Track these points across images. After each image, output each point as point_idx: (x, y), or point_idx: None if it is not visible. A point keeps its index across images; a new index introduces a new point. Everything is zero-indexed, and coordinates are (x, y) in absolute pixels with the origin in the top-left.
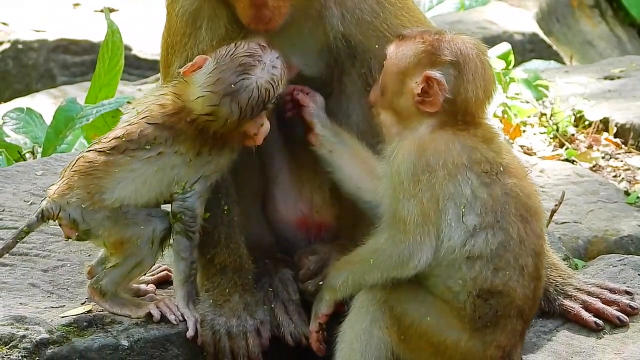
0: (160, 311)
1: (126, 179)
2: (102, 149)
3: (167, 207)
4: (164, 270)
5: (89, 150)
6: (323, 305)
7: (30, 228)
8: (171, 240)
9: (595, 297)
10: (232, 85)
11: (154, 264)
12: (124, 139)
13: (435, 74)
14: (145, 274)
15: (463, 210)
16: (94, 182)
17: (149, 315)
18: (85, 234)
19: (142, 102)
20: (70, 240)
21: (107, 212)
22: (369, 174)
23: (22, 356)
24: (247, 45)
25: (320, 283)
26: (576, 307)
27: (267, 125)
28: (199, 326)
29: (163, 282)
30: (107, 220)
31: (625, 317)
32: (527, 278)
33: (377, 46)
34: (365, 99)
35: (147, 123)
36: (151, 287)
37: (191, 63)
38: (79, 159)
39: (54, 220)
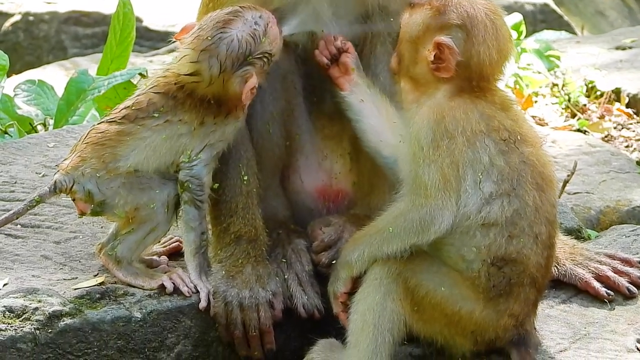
0: (173, 283)
1: (138, 147)
2: (112, 119)
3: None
4: (175, 242)
5: (100, 123)
6: (340, 284)
7: (42, 198)
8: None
9: (607, 266)
10: (209, 39)
11: (168, 230)
12: (133, 108)
13: (444, 39)
14: (157, 245)
15: (480, 177)
16: (108, 151)
17: (162, 287)
18: (100, 205)
19: (155, 74)
20: (83, 216)
21: (123, 179)
22: (392, 130)
23: (34, 328)
24: (232, 7)
25: (334, 262)
26: (587, 276)
27: (253, 80)
28: (212, 298)
29: (175, 254)
30: (123, 188)
31: (635, 288)
32: (541, 246)
33: None
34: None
35: (154, 92)
36: (163, 258)
37: (181, 28)
38: (90, 131)
39: (67, 194)
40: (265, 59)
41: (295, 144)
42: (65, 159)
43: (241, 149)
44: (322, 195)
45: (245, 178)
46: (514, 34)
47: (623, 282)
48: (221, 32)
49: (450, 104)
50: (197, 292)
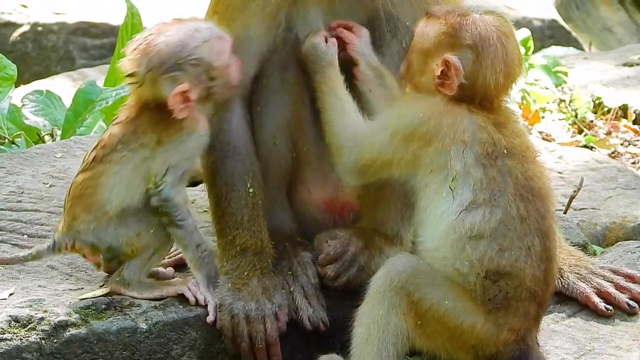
0: (191, 290)
1: (114, 185)
2: (85, 168)
3: None
4: (180, 253)
5: (77, 174)
6: None
7: (38, 255)
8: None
9: (609, 282)
10: (145, 39)
11: (171, 247)
12: (99, 147)
13: (453, 58)
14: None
15: (452, 184)
16: (90, 200)
17: (181, 295)
18: (108, 252)
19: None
20: (102, 269)
21: (115, 220)
22: None
23: (40, 338)
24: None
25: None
26: (588, 290)
27: (182, 87)
28: (218, 310)
29: (180, 265)
30: (120, 227)
31: (635, 304)
32: (535, 259)
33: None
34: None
35: (113, 125)
36: (170, 270)
37: None
38: (72, 185)
39: (71, 251)
40: (200, 68)
41: (302, 156)
42: (60, 220)
43: (247, 162)
44: (328, 207)
45: (251, 190)
46: (522, 50)
47: (623, 298)
48: (156, 33)
49: (443, 108)
50: (205, 305)
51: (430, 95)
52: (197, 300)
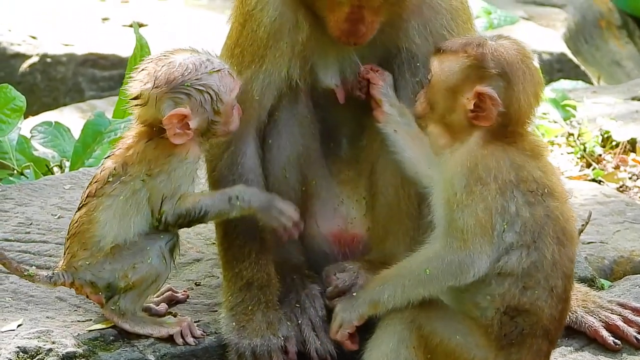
0: (182, 333)
1: (108, 218)
2: (81, 204)
3: None
4: (168, 290)
5: (75, 213)
6: (355, 317)
7: (33, 278)
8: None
9: (617, 316)
10: (153, 60)
11: (168, 277)
12: (94, 183)
13: (487, 89)
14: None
15: (505, 226)
16: (85, 237)
17: (171, 337)
18: (108, 289)
19: None
20: (104, 308)
21: (111, 256)
22: (426, 161)
23: None
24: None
25: (354, 294)
26: (597, 324)
27: (182, 110)
28: (225, 351)
29: (167, 302)
30: (115, 262)
31: None
32: (556, 299)
33: None
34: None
35: (106, 158)
36: (162, 306)
37: None
38: (70, 224)
39: (70, 288)
40: (207, 96)
41: (311, 188)
42: (61, 258)
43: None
44: (337, 240)
45: (260, 224)
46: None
47: (632, 331)
48: (166, 54)
49: (483, 152)
50: (197, 346)
51: (463, 136)
52: (187, 343)
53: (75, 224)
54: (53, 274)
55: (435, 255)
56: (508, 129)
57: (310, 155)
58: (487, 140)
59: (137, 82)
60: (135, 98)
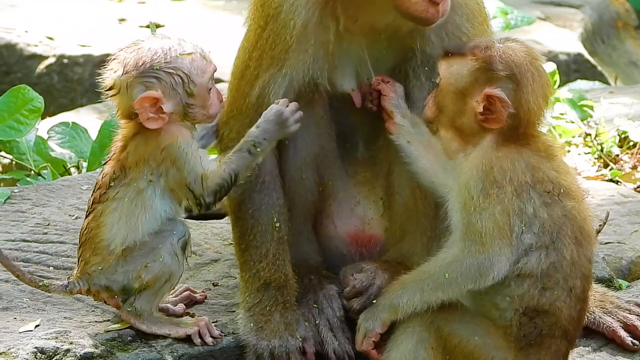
0: (200, 333)
1: (115, 221)
2: (88, 212)
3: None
4: (186, 290)
5: (83, 221)
6: (378, 324)
7: (49, 288)
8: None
9: (635, 316)
10: (123, 49)
11: (182, 275)
12: (97, 190)
13: (496, 91)
14: (169, 295)
15: (523, 228)
16: (96, 242)
17: (189, 337)
18: (123, 292)
19: None
20: (121, 311)
21: (122, 260)
22: (441, 170)
23: None
24: None
25: (374, 301)
26: (615, 325)
27: (152, 93)
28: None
29: (185, 302)
30: (127, 264)
31: None
32: (574, 299)
33: None
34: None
35: (104, 164)
36: (180, 306)
37: None
38: (80, 233)
39: (87, 295)
40: (177, 79)
41: (328, 189)
42: (74, 267)
43: (275, 195)
44: (354, 240)
45: (278, 225)
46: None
47: None
48: (136, 43)
49: (497, 154)
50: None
51: (475, 139)
52: (205, 343)
53: (85, 231)
54: (69, 282)
55: (454, 259)
56: (520, 131)
57: (326, 156)
58: (500, 143)
59: (109, 72)
60: (110, 89)
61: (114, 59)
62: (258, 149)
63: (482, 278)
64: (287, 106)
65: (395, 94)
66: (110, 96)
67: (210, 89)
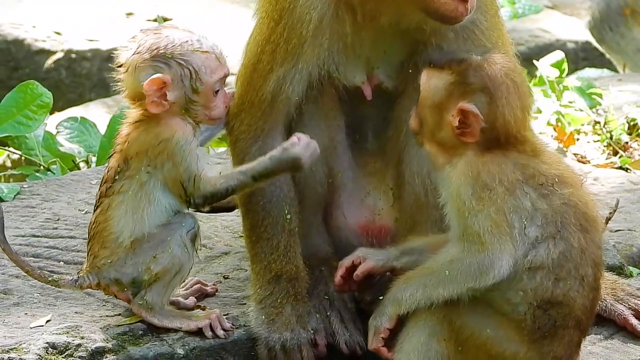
0: (211, 325)
1: (122, 214)
2: (95, 206)
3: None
4: (196, 283)
5: (92, 217)
6: (385, 320)
7: (58, 283)
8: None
9: None
10: (145, 30)
11: (192, 267)
12: (103, 184)
13: (468, 105)
14: (179, 289)
15: (525, 222)
16: (104, 236)
17: (201, 330)
18: (133, 284)
19: None
20: (132, 304)
21: (131, 252)
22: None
23: None
24: None
25: (380, 298)
26: (626, 312)
27: (161, 76)
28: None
29: (196, 295)
30: (136, 256)
31: None
32: (587, 288)
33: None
34: None
35: (109, 158)
36: (191, 299)
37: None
38: (88, 228)
39: (97, 290)
40: (186, 71)
41: (338, 181)
42: (84, 262)
43: (285, 188)
44: (365, 231)
45: (289, 217)
46: (556, 72)
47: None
48: (158, 28)
49: (483, 160)
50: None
51: (459, 152)
52: (217, 335)
53: (93, 225)
54: (78, 277)
55: (455, 258)
56: (501, 141)
57: (335, 147)
58: (484, 150)
59: (125, 50)
60: (121, 66)
61: (133, 39)
62: (263, 180)
63: (482, 277)
64: (307, 144)
65: (372, 264)
66: (120, 74)
67: (218, 91)
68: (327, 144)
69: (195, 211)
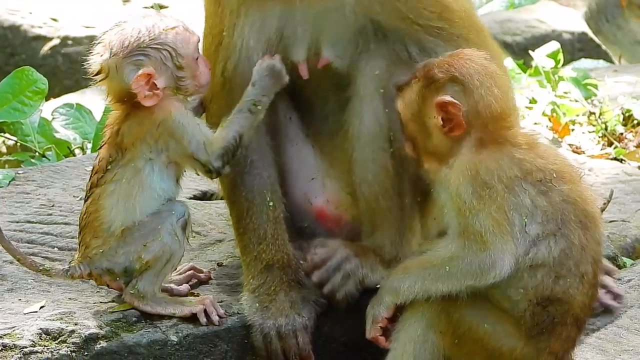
0: (205, 311)
1: (113, 203)
2: (86, 197)
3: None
4: (190, 269)
5: (82, 207)
6: (383, 308)
7: (49, 273)
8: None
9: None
10: (105, 32)
11: (183, 255)
12: (94, 174)
13: (443, 97)
14: (173, 274)
15: (525, 220)
16: (95, 226)
17: (194, 315)
18: (125, 273)
19: None
20: (124, 293)
21: (122, 241)
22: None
23: (70, 351)
24: None
25: (378, 286)
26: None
27: (145, 70)
28: (250, 332)
29: (189, 281)
30: (127, 245)
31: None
32: (586, 285)
33: (405, 28)
34: (381, 99)
35: (100, 148)
36: (185, 287)
37: None
38: (80, 219)
39: (89, 279)
40: (165, 53)
41: (287, 162)
42: (76, 251)
43: (265, 174)
44: (322, 218)
45: (271, 204)
46: (552, 63)
47: (606, 298)
48: (118, 24)
49: (479, 157)
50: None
51: (454, 151)
52: (210, 318)
53: (84, 216)
54: (70, 267)
55: (455, 255)
56: (490, 129)
57: (282, 126)
58: (479, 146)
59: (96, 57)
60: (98, 73)
61: (99, 43)
62: (258, 107)
63: (482, 276)
64: (269, 57)
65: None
66: (99, 81)
67: (197, 58)
68: (269, 122)
69: (217, 176)
